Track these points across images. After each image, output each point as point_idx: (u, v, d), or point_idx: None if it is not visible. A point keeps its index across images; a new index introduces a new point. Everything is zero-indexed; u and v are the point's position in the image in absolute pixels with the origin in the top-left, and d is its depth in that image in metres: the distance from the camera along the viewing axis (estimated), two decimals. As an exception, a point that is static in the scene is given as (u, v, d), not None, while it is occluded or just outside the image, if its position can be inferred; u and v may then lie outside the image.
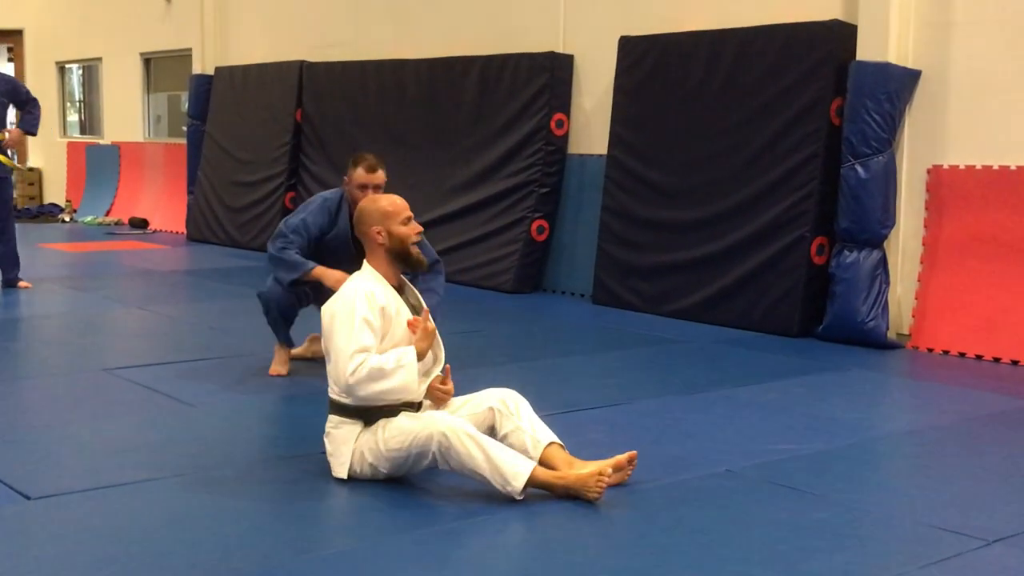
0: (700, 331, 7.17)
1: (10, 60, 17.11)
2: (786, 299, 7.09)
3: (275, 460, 4.16)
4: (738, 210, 7.40)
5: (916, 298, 6.80)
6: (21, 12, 16.54)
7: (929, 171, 6.80)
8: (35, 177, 16.50)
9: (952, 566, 3.21)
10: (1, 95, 8.34)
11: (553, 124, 8.76)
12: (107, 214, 14.50)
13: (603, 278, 8.20)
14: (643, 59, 8.04)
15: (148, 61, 14.46)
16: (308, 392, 5.18)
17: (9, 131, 8.37)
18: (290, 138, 11.27)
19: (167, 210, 13.56)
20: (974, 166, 6.60)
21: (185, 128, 13.00)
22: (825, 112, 7.00)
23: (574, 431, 4.28)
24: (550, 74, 8.76)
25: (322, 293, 5.09)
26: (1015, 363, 6.26)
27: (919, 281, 6.81)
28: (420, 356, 3.79)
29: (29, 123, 8.45)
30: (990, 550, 3.35)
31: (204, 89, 12.51)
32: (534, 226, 8.75)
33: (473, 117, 9.34)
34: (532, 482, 3.63)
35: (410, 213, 3.99)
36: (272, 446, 4.50)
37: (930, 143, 6.79)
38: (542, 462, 3.72)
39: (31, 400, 5.17)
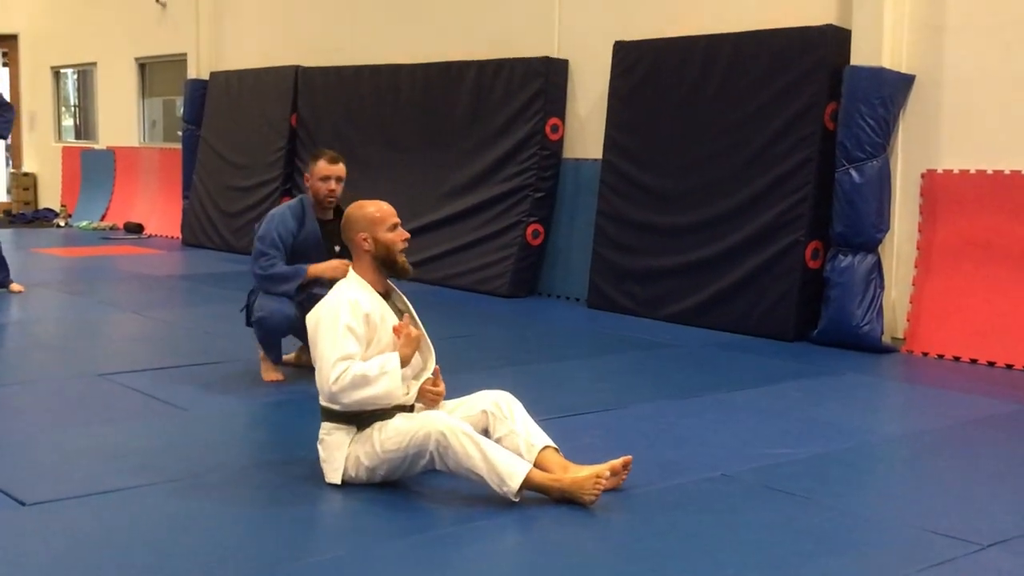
0: (695, 335, 7.17)
1: (5, 65, 17.09)
2: (781, 303, 7.09)
3: (270, 465, 4.15)
4: (733, 214, 7.41)
5: (911, 302, 6.81)
6: (16, 17, 16.52)
7: (923, 175, 6.81)
8: (29, 182, 16.48)
9: (947, 570, 3.21)
10: None
11: (548, 129, 8.77)
12: (102, 219, 14.48)
13: (598, 282, 8.20)
14: (638, 64, 8.05)
15: (143, 66, 14.44)
16: (302, 397, 5.17)
17: None
18: (285, 143, 11.27)
19: (162, 215, 13.54)
20: (968, 170, 6.62)
21: (180, 133, 12.98)
22: (819, 116, 7.01)
23: (569, 435, 4.28)
24: (545, 79, 8.76)
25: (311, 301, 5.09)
26: (1009, 367, 6.27)
27: (913, 285, 6.82)
28: (404, 361, 3.77)
29: (1, 126, 8.43)
30: (985, 554, 3.35)
31: (199, 94, 12.50)
32: (529, 230, 8.75)
33: (468, 122, 9.34)
34: (528, 484, 3.63)
35: (397, 220, 3.96)
36: (267, 451, 4.50)
37: (924, 147, 6.81)
38: (536, 466, 3.71)
39: (24, 405, 5.15)
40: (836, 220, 6.82)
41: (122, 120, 14.71)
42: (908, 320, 6.80)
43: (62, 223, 14.86)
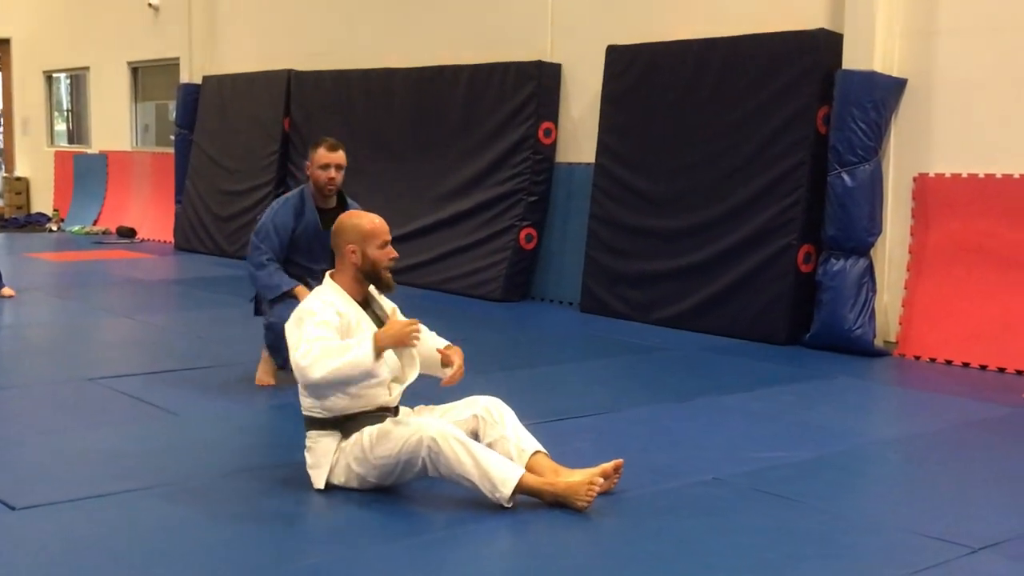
0: (687, 339, 7.17)
1: (-3, 69, 17.10)
2: (773, 307, 7.10)
3: (261, 469, 4.14)
4: (725, 218, 7.41)
5: (903, 306, 6.82)
6: (8, 21, 16.50)
7: (915, 179, 6.82)
8: (22, 187, 16.44)
9: (939, 573, 3.22)
10: None
11: (541, 133, 8.77)
12: (95, 223, 14.46)
13: (591, 286, 8.20)
14: (630, 68, 8.06)
15: (136, 70, 14.43)
16: (294, 402, 5.10)
17: None
18: (278, 147, 11.26)
19: (155, 219, 13.52)
20: (960, 174, 6.63)
21: (173, 137, 12.97)
22: (811, 120, 7.02)
23: (561, 439, 4.28)
24: (537, 83, 8.77)
25: None
26: (1002, 370, 6.28)
27: (906, 289, 6.83)
28: (381, 343, 3.68)
29: None
30: (976, 557, 3.35)
31: (192, 98, 12.48)
32: (522, 234, 8.75)
33: (461, 126, 9.34)
34: (521, 488, 3.62)
35: (389, 237, 3.91)
36: (258, 455, 4.49)
37: (916, 151, 6.82)
38: (528, 471, 3.69)
39: (15, 409, 5.13)
40: (828, 224, 6.83)
41: (115, 124, 14.69)
42: (900, 324, 6.81)
43: (55, 227, 14.83)
